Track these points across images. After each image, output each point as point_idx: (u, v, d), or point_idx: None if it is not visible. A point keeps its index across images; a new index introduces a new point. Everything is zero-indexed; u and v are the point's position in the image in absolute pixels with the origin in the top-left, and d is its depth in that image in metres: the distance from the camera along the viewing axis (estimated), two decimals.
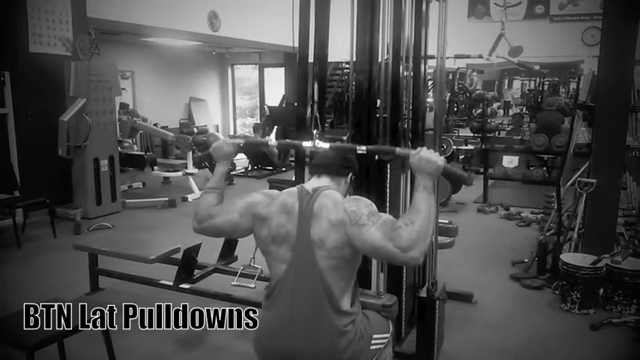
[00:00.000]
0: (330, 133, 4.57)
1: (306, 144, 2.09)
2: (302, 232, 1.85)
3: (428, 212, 1.74)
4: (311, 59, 2.83)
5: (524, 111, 12.08)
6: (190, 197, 7.20)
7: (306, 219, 1.85)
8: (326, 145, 2.01)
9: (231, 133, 13.32)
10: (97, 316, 2.42)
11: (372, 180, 2.74)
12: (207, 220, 2.02)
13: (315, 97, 2.76)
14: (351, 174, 2.07)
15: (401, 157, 2.79)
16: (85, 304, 2.51)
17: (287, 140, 2.33)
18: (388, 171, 2.79)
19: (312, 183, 2.00)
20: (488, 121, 7.98)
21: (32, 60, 5.98)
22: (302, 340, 1.84)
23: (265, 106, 11.68)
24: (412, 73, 3.01)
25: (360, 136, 2.72)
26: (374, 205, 1.86)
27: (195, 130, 11.19)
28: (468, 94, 11.75)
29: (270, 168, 9.50)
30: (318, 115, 2.59)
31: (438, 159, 1.80)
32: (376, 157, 2.76)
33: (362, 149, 2.04)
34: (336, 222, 1.81)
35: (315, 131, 2.38)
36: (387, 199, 2.81)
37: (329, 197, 1.87)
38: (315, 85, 2.77)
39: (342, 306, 1.85)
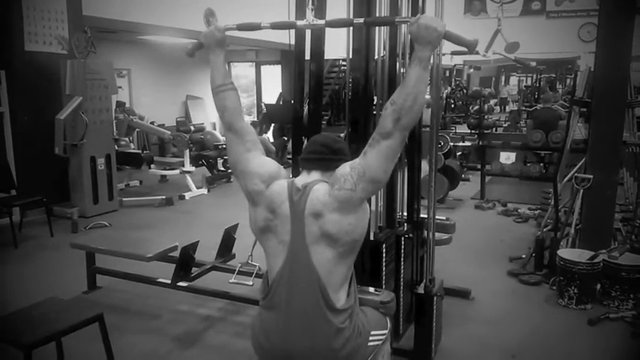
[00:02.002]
0: (327, 131, 4.57)
1: (301, 22, 1.98)
2: (296, 232, 1.83)
3: (414, 85, 1.69)
4: (307, 56, 2.83)
5: (520, 107, 12.10)
6: (187, 195, 7.19)
7: (299, 218, 1.82)
8: (321, 22, 1.89)
9: None
10: (95, 315, 2.42)
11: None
12: (230, 131, 1.98)
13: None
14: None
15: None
16: (83, 302, 2.51)
17: (280, 22, 2.04)
18: None
19: (302, 178, 1.93)
20: (485, 117, 7.99)
21: (28, 58, 5.96)
22: (299, 340, 1.84)
23: (262, 104, 11.67)
24: None
25: (357, 133, 2.72)
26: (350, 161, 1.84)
27: (192, 128, 11.18)
28: (464, 91, 11.77)
29: None
30: None
31: (439, 24, 1.68)
32: None
33: (359, 20, 1.93)
34: (342, 206, 1.77)
35: (310, 5, 2.17)
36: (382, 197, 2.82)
37: (320, 191, 1.83)
38: None
39: (338, 303, 1.84)
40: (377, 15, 2.73)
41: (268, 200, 1.88)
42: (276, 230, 1.86)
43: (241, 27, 2.09)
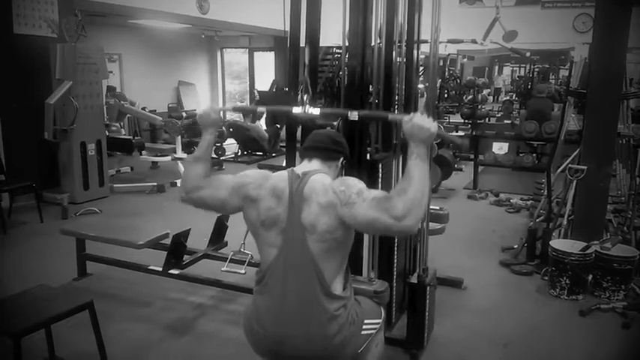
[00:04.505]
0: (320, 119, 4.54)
1: (297, 110, 2.03)
2: (292, 217, 1.83)
3: (421, 180, 1.71)
4: (302, 43, 2.78)
5: (514, 97, 12.10)
6: (179, 182, 7.12)
7: (297, 203, 1.83)
8: (316, 111, 1.95)
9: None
10: (85, 302, 2.40)
11: (363, 177, 2.71)
12: (194, 191, 1.99)
13: (307, 61, 2.60)
14: (342, 158, 2.05)
15: (394, 155, 2.77)
16: (73, 289, 2.48)
17: (276, 106, 2.17)
18: (380, 170, 2.79)
19: (302, 167, 1.98)
20: (479, 107, 7.98)
21: (17, 42, 5.85)
22: (293, 325, 1.83)
23: (255, 91, 11.58)
24: (405, 59, 2.97)
25: (351, 121, 2.68)
26: (362, 182, 1.84)
27: (184, 114, 11.07)
28: (458, 81, 11.75)
29: (260, 153, 9.45)
30: (308, 79, 2.48)
31: (431, 125, 1.75)
32: (368, 156, 2.74)
33: (354, 114, 1.98)
34: (327, 204, 1.79)
35: (305, 96, 2.29)
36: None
37: (318, 181, 1.86)
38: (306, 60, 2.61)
39: (334, 290, 1.85)
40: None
41: (272, 189, 1.89)
42: (278, 219, 1.85)
43: (237, 109, 2.14)
